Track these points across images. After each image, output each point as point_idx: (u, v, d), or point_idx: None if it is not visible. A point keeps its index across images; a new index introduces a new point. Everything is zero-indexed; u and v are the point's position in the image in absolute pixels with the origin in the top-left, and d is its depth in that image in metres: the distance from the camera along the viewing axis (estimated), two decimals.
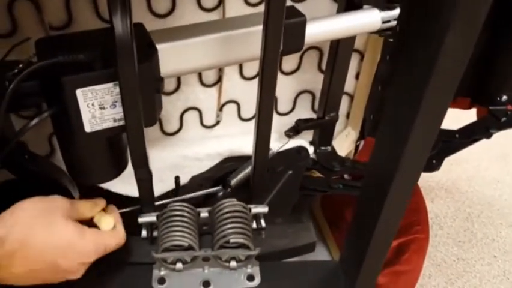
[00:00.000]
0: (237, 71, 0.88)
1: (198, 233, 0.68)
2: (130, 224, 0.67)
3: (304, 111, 0.99)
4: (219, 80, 0.87)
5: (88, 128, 0.58)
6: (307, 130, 0.95)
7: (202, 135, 0.93)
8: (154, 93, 0.60)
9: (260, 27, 0.59)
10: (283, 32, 0.58)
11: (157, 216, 0.68)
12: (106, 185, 0.74)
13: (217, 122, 0.93)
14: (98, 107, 0.57)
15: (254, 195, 0.77)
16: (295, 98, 0.97)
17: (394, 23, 0.77)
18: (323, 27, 0.72)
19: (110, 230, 0.64)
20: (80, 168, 0.64)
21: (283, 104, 0.97)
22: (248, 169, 0.84)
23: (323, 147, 0.99)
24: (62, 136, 0.61)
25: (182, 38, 0.63)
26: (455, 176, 1.61)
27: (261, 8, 0.64)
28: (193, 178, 0.88)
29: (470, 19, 0.42)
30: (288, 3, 0.58)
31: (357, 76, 0.98)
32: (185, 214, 0.67)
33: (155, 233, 0.68)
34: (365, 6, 0.77)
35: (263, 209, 0.71)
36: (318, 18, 0.72)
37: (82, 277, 0.60)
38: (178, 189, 0.82)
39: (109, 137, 0.60)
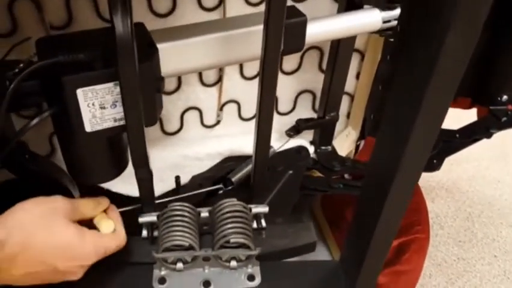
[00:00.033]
0: (237, 70, 0.88)
1: (199, 233, 0.68)
2: (131, 224, 0.67)
3: (304, 111, 0.99)
4: (219, 80, 0.87)
5: (88, 128, 0.57)
6: (308, 130, 0.95)
7: (203, 134, 0.93)
8: (155, 92, 0.60)
9: (261, 27, 0.59)
10: (283, 31, 0.58)
11: (158, 216, 0.68)
12: (106, 185, 0.74)
13: (218, 122, 0.93)
14: (98, 106, 0.56)
15: (254, 194, 0.77)
16: (296, 97, 0.97)
17: (395, 22, 0.77)
18: (323, 27, 0.72)
19: (110, 233, 0.63)
20: (81, 168, 0.64)
21: (283, 104, 0.97)
22: (248, 167, 0.84)
23: (323, 147, 0.99)
24: (63, 136, 0.61)
25: (182, 38, 0.63)
26: (455, 175, 1.61)
27: (262, 8, 0.64)
28: (194, 178, 0.88)
29: (471, 19, 0.42)
30: (289, 3, 0.58)
31: (357, 76, 0.98)
32: (186, 214, 0.67)
33: (155, 233, 0.68)
34: (365, 6, 0.77)
35: (263, 208, 0.71)
36: (318, 18, 0.72)
37: (82, 277, 0.60)
38: (179, 189, 0.81)
39: (110, 137, 0.60)
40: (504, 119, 1.04)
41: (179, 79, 0.84)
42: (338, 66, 0.86)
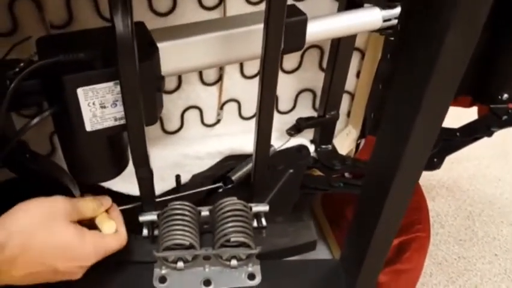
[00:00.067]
0: (237, 69, 0.88)
1: (199, 232, 0.68)
2: (131, 222, 0.67)
3: (305, 110, 0.99)
4: (219, 79, 0.87)
5: (88, 127, 0.58)
6: (308, 129, 0.95)
7: (203, 133, 0.93)
8: (155, 91, 0.60)
9: (261, 26, 0.58)
10: (284, 30, 0.58)
11: (158, 215, 0.68)
12: (107, 184, 0.74)
13: (218, 121, 0.93)
14: (99, 105, 0.57)
15: (255, 193, 0.77)
16: (296, 96, 0.97)
17: (395, 21, 0.76)
18: (323, 26, 0.72)
19: (112, 233, 0.63)
20: (81, 167, 0.64)
21: (284, 103, 0.97)
22: (249, 166, 0.84)
23: (323, 146, 0.99)
24: (63, 135, 0.61)
25: (183, 37, 0.63)
26: (456, 174, 1.61)
27: (262, 7, 0.64)
28: (194, 177, 0.88)
29: (471, 19, 0.42)
30: (289, 2, 0.58)
31: (358, 75, 0.98)
32: (186, 213, 0.68)
33: (156, 232, 0.68)
34: (365, 5, 0.77)
35: (264, 207, 0.71)
36: (319, 17, 0.72)
37: (82, 276, 0.60)
38: (179, 188, 0.82)
39: (110, 136, 0.60)
40: (505, 117, 1.04)
41: (179, 78, 0.84)
42: (338, 65, 0.86)
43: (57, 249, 0.57)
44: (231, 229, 0.66)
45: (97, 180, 0.68)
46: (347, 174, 1.10)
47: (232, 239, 0.66)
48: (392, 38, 0.85)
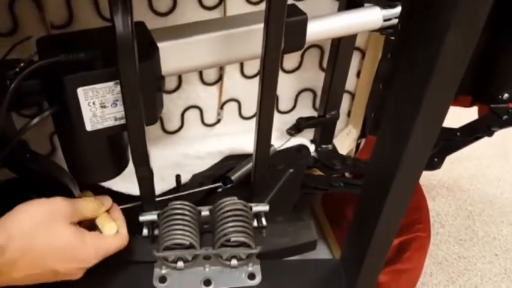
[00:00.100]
0: (237, 69, 0.88)
1: (199, 232, 0.68)
2: (131, 221, 0.67)
3: (305, 110, 0.99)
4: (219, 79, 0.87)
5: (89, 127, 0.58)
6: (309, 128, 0.95)
7: (203, 133, 0.93)
8: (155, 91, 0.60)
9: (261, 26, 0.58)
10: (284, 30, 0.58)
11: (158, 215, 0.68)
12: (107, 184, 0.74)
13: (218, 121, 0.93)
14: (99, 105, 0.57)
15: (255, 193, 0.77)
16: (296, 96, 0.97)
17: (395, 21, 0.76)
18: (324, 26, 0.72)
19: (112, 234, 0.63)
20: (81, 167, 0.64)
21: (284, 102, 0.97)
22: (249, 165, 0.84)
23: (324, 146, 0.99)
24: (63, 135, 0.61)
25: (183, 37, 0.63)
26: (456, 174, 1.61)
27: (262, 6, 0.64)
28: (194, 176, 0.88)
29: (471, 19, 0.42)
30: (289, 1, 0.58)
31: (358, 74, 0.98)
32: (186, 213, 0.68)
33: (156, 232, 0.68)
34: (366, 5, 0.77)
35: (264, 207, 0.71)
36: (319, 16, 0.72)
37: (82, 276, 0.60)
38: (179, 188, 0.82)
39: (110, 136, 0.60)
40: (505, 117, 1.04)
41: (179, 78, 0.84)
42: (338, 65, 0.86)
43: (58, 251, 0.57)
44: (231, 229, 0.66)
45: (97, 180, 0.68)
46: (347, 174, 1.10)
47: (232, 239, 0.66)
48: (393, 38, 0.85)
